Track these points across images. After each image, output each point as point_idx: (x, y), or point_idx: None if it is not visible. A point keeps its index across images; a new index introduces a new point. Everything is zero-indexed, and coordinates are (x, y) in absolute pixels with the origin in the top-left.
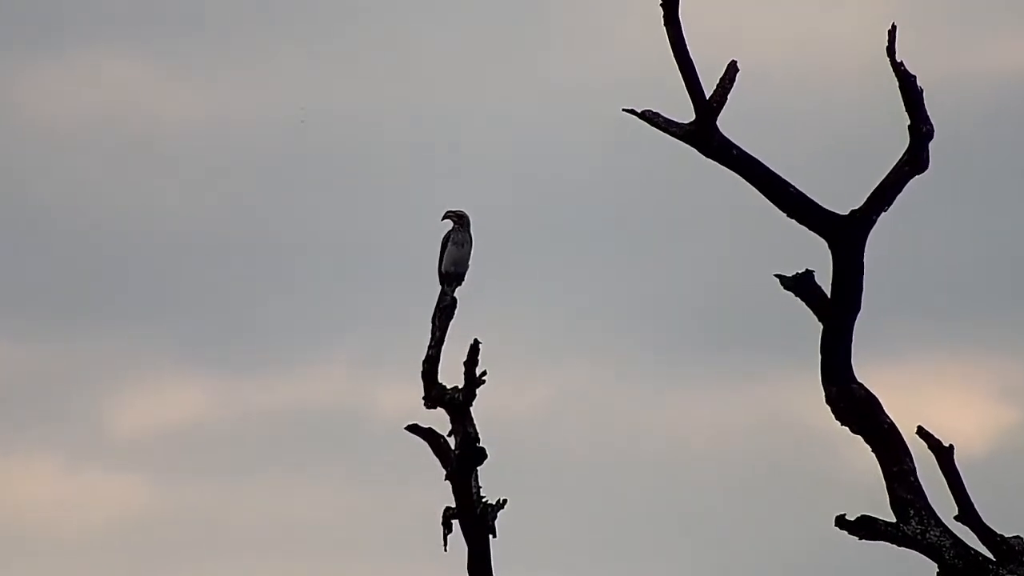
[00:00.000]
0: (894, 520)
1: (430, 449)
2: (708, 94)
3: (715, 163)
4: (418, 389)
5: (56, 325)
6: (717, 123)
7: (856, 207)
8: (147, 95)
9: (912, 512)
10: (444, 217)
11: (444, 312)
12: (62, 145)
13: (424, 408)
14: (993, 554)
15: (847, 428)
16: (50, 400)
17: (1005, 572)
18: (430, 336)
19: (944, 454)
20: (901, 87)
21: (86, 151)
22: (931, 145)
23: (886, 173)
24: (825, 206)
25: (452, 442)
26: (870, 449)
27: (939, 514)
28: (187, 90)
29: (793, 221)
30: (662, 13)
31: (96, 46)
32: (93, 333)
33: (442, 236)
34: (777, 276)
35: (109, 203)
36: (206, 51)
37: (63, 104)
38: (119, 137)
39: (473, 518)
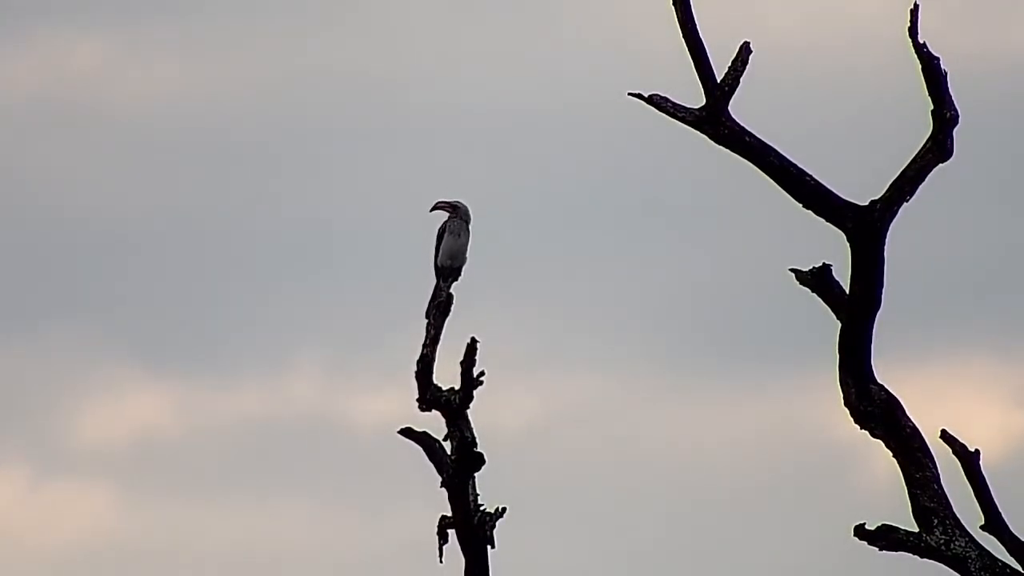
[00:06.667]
0: (916, 530)
1: (424, 455)
2: (719, 77)
3: (727, 151)
4: (401, 393)
5: (11, 330)
6: (729, 108)
7: (876, 197)
8: (107, 82)
9: (936, 521)
10: (434, 208)
11: (440, 309)
12: (12, 136)
13: (408, 412)
14: (1022, 566)
15: (866, 432)
16: (5, 409)
17: None
18: (425, 334)
19: (969, 460)
20: (924, 70)
21: (40, 142)
22: (956, 132)
23: (908, 161)
24: (844, 196)
25: (448, 447)
26: (891, 455)
27: (964, 523)
28: (144, 80)
29: (809, 213)
30: None
31: (53, 25)
32: (51, 338)
33: (436, 227)
34: (793, 271)
35: (66, 202)
36: (170, 29)
37: (15, 88)
38: (73, 127)
39: (470, 528)
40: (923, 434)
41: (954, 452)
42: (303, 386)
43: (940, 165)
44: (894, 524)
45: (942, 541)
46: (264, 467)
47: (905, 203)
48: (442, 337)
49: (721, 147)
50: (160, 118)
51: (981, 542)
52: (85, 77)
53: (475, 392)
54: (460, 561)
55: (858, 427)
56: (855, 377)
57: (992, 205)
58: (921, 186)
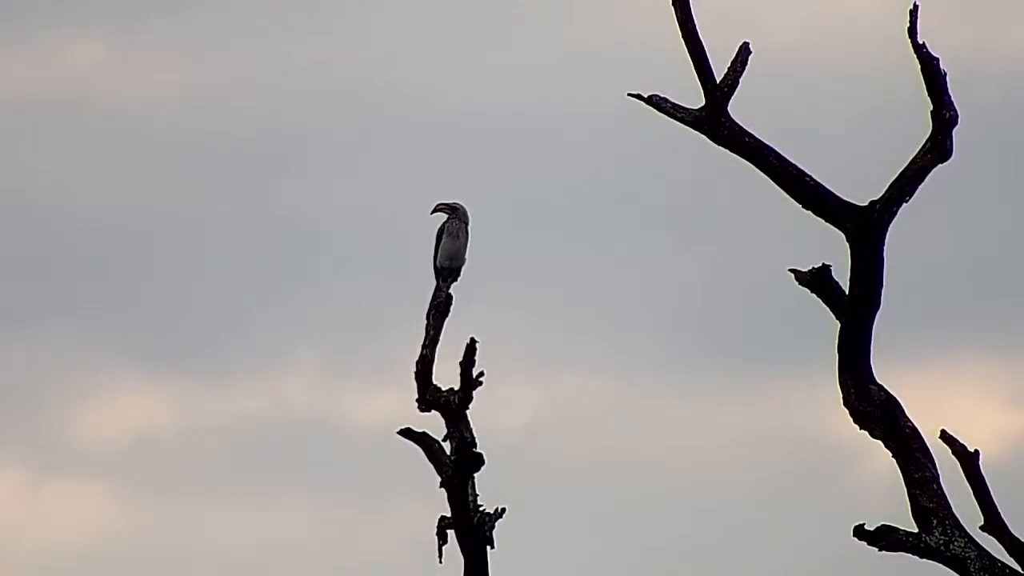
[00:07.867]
0: (916, 530)
1: (423, 455)
2: (719, 77)
3: (726, 151)
4: (401, 393)
5: (11, 330)
6: (728, 109)
7: (876, 197)
8: (105, 82)
9: (935, 521)
10: (434, 210)
11: (439, 309)
12: (13, 137)
13: (408, 412)
14: (1021, 566)
15: (866, 432)
16: (5, 409)
17: None
18: (424, 335)
19: (969, 460)
20: (923, 71)
21: (40, 142)
22: (955, 132)
23: (908, 161)
24: (843, 196)
25: (447, 447)
26: (890, 455)
27: (964, 524)
28: (142, 81)
29: (809, 213)
30: None
31: (51, 24)
32: (51, 338)
33: (435, 228)
34: (792, 271)
35: (66, 202)
36: (170, 29)
37: (15, 88)
38: (73, 127)
39: (469, 528)
40: (922, 434)
41: (954, 452)
42: (302, 386)
43: (940, 165)
44: (894, 524)
45: (941, 541)
46: (263, 467)
47: (905, 203)
48: (441, 337)
49: (721, 147)
50: (160, 118)
51: (981, 542)
52: (85, 77)
53: (475, 392)
54: (460, 561)
55: (858, 427)
56: (855, 377)
57: (992, 205)
58: (921, 186)
